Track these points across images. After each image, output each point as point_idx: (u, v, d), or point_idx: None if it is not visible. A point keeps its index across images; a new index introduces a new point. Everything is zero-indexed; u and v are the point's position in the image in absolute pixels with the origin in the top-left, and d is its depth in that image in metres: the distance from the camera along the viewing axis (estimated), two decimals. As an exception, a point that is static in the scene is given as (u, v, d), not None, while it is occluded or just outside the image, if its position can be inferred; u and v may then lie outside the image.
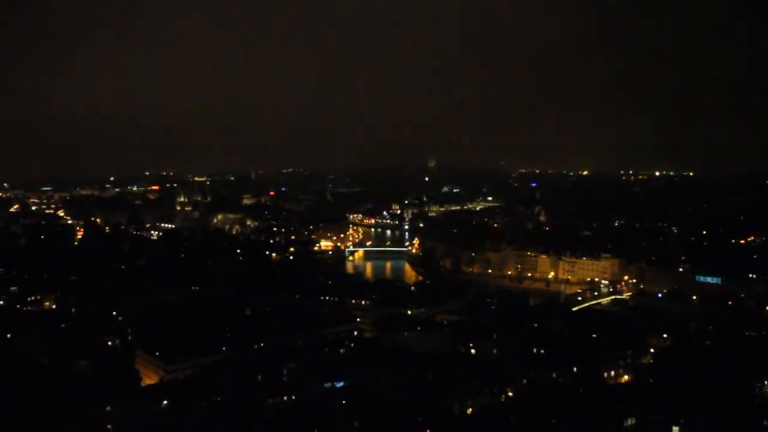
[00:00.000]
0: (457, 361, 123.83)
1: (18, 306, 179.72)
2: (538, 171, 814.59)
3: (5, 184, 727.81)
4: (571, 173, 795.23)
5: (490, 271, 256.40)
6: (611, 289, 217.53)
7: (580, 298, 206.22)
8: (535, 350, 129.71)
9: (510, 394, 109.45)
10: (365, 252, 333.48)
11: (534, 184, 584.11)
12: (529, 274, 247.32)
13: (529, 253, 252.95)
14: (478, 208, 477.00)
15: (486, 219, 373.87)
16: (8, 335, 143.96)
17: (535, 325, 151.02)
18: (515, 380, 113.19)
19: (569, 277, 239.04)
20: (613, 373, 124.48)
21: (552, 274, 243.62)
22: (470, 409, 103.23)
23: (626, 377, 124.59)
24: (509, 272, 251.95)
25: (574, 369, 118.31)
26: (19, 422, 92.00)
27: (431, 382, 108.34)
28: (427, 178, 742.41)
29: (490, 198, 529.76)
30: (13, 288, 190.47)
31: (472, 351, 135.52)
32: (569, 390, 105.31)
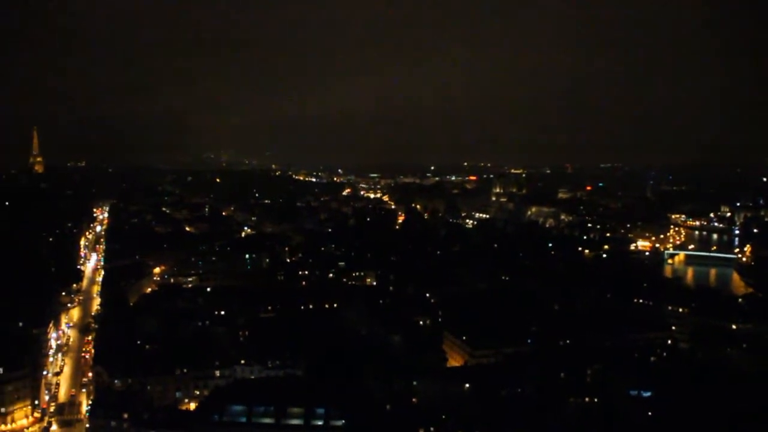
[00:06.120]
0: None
1: (344, 280, 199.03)
2: None
3: (339, 170, 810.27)
4: None
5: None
6: None
7: None
8: None
9: None
10: (686, 256, 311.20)
11: None
12: None
13: None
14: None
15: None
16: (335, 305, 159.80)
17: None
18: None
19: None
20: None
21: None
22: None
23: None
24: None
25: None
26: (335, 383, 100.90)
27: (754, 409, 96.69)
28: (765, 179, 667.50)
29: None
30: (341, 263, 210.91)
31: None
32: None
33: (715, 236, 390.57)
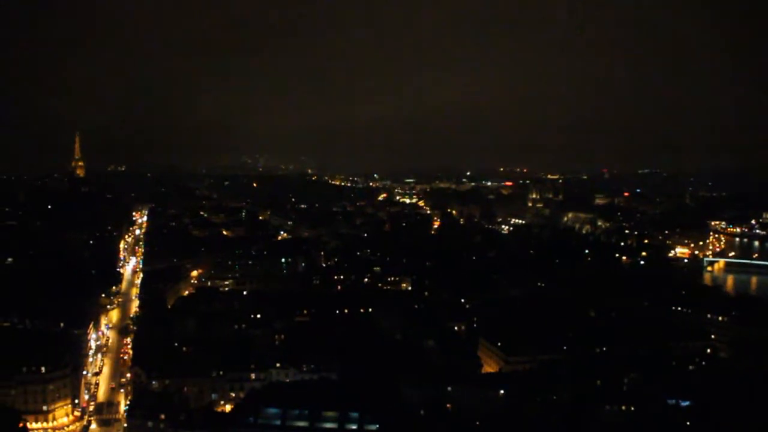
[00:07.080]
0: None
1: (379, 285, 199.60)
2: None
3: (375, 175, 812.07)
4: None
5: None
6: None
7: None
8: None
9: None
10: (726, 263, 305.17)
11: None
12: None
13: None
14: None
15: None
16: (370, 309, 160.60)
17: None
18: None
19: None
20: None
21: None
22: None
23: None
24: None
25: None
26: (369, 387, 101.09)
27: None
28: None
29: None
30: (376, 268, 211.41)
31: None
32: None
33: (756, 243, 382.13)
